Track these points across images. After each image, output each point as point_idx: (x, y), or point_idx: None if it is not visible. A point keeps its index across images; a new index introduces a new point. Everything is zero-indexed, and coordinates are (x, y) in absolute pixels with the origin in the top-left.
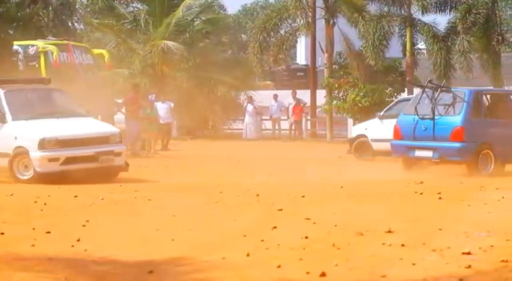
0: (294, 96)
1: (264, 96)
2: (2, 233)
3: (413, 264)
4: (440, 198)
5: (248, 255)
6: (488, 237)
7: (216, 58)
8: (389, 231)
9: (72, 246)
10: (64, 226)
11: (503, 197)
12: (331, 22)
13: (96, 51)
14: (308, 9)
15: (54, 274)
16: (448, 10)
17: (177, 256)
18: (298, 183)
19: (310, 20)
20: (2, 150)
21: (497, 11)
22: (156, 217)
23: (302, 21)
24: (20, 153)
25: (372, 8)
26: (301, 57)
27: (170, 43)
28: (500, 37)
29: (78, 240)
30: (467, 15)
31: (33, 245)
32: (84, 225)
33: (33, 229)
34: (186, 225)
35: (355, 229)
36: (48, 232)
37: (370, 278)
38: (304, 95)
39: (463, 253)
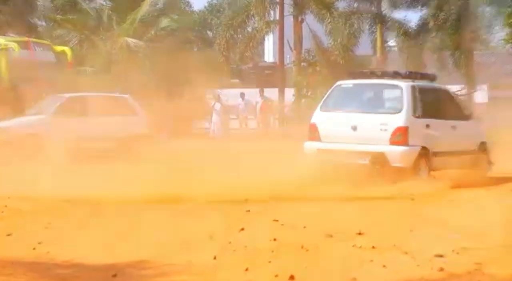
0: (261, 95)
1: (231, 95)
2: None
3: (384, 266)
4: (412, 199)
5: (215, 258)
6: (459, 239)
7: (182, 56)
8: (359, 233)
9: (34, 249)
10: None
11: (475, 197)
12: (300, 18)
13: (58, 48)
14: (274, 6)
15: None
16: (419, 7)
17: (141, 259)
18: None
19: (277, 17)
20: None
21: (469, 8)
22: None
23: (269, 18)
24: None
25: (341, 5)
26: (269, 54)
27: (130, 40)
28: (472, 34)
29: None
30: (439, 11)
31: None
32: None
33: None
34: (150, 227)
35: (324, 231)
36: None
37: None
38: (272, 93)
39: (435, 256)
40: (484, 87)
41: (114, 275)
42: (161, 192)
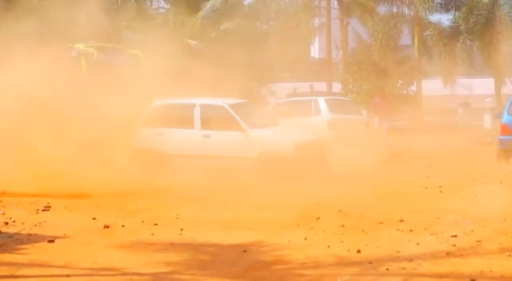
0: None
1: (283, 88)
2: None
3: (417, 243)
4: (440, 191)
5: (305, 239)
6: (471, 224)
7: (240, 53)
8: (401, 220)
9: (180, 234)
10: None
11: (490, 190)
12: (345, 21)
13: (131, 51)
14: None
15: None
16: (452, 11)
17: (257, 240)
18: None
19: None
20: None
21: (496, 12)
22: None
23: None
24: None
25: (382, 10)
26: (315, 52)
27: (191, 42)
28: (499, 36)
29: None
30: (469, 15)
31: (152, 234)
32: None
33: (142, 221)
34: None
35: (376, 219)
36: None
37: (390, 253)
38: (320, 87)
39: (451, 236)
40: None
41: (244, 251)
42: None
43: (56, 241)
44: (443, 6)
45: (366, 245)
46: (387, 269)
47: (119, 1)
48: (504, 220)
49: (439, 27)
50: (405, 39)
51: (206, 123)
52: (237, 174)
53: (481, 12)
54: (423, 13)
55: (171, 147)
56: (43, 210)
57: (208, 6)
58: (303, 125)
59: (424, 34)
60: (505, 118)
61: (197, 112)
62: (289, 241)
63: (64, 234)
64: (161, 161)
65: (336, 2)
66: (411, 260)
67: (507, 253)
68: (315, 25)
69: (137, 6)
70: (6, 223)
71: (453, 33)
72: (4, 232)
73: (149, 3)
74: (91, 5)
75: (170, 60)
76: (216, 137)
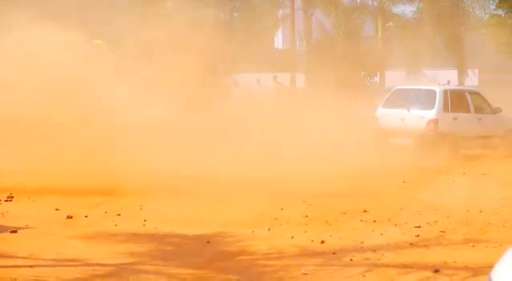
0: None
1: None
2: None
3: (381, 234)
4: (404, 182)
5: (269, 229)
6: (434, 215)
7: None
8: (365, 211)
9: (144, 225)
10: None
11: (453, 181)
12: (309, 12)
13: (95, 41)
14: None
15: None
16: (416, 2)
17: (222, 231)
18: None
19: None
20: None
21: (459, 3)
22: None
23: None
24: None
25: (346, 1)
26: (278, 42)
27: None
28: (462, 27)
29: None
30: (433, 7)
31: (115, 225)
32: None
33: (105, 212)
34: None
35: (340, 210)
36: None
37: (353, 244)
38: (284, 78)
39: (415, 227)
40: (475, 71)
41: (208, 242)
42: None
43: (18, 231)
44: None
45: (330, 236)
46: (351, 259)
47: None
48: (468, 211)
49: (403, 18)
50: (369, 30)
51: (476, 108)
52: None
53: (445, 3)
54: (387, 4)
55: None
56: (6, 200)
57: None
58: None
59: (388, 25)
60: None
61: (468, 98)
62: (253, 231)
63: (27, 225)
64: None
65: None
66: (375, 250)
67: (471, 244)
68: (279, 16)
69: None
70: None
71: (417, 24)
72: None
73: None
74: None
75: (134, 49)
76: (485, 120)
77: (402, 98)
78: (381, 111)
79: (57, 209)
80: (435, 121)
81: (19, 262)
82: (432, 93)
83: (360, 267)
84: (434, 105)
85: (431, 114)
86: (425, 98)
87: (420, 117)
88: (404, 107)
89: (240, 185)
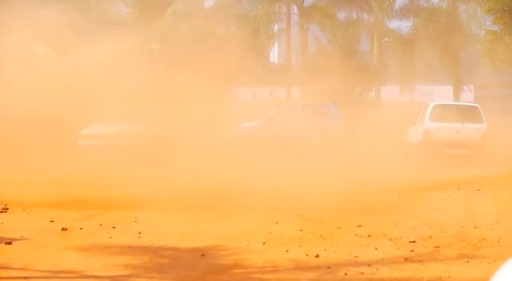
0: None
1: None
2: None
3: (376, 249)
4: (399, 197)
5: (264, 243)
6: (429, 230)
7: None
8: (359, 226)
9: (138, 237)
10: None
11: (448, 196)
12: (305, 27)
13: None
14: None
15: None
16: (412, 17)
17: (216, 244)
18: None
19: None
20: None
21: (455, 19)
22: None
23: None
24: None
25: (342, 15)
26: (274, 57)
27: (153, 45)
28: (458, 43)
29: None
30: (428, 23)
31: (110, 237)
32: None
33: (100, 224)
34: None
35: (335, 224)
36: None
37: (348, 258)
38: (279, 92)
39: (410, 242)
40: (471, 87)
41: (203, 255)
42: None
43: (13, 243)
44: (403, 13)
45: (325, 250)
46: (346, 273)
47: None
48: (462, 227)
49: (398, 33)
50: (364, 45)
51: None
52: None
53: (440, 19)
54: (383, 20)
55: None
56: (1, 212)
57: (169, 10)
58: None
59: (383, 40)
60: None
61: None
62: (248, 245)
63: (22, 236)
64: None
65: (296, 8)
66: (370, 265)
67: (466, 259)
68: (275, 30)
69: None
70: None
71: (412, 40)
72: None
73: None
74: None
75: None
76: None
77: (448, 113)
78: (431, 124)
79: (52, 221)
80: (489, 133)
81: (14, 273)
82: (475, 109)
83: None
84: (482, 119)
85: (484, 127)
86: (471, 113)
87: (475, 129)
88: (456, 121)
89: (239, 198)
